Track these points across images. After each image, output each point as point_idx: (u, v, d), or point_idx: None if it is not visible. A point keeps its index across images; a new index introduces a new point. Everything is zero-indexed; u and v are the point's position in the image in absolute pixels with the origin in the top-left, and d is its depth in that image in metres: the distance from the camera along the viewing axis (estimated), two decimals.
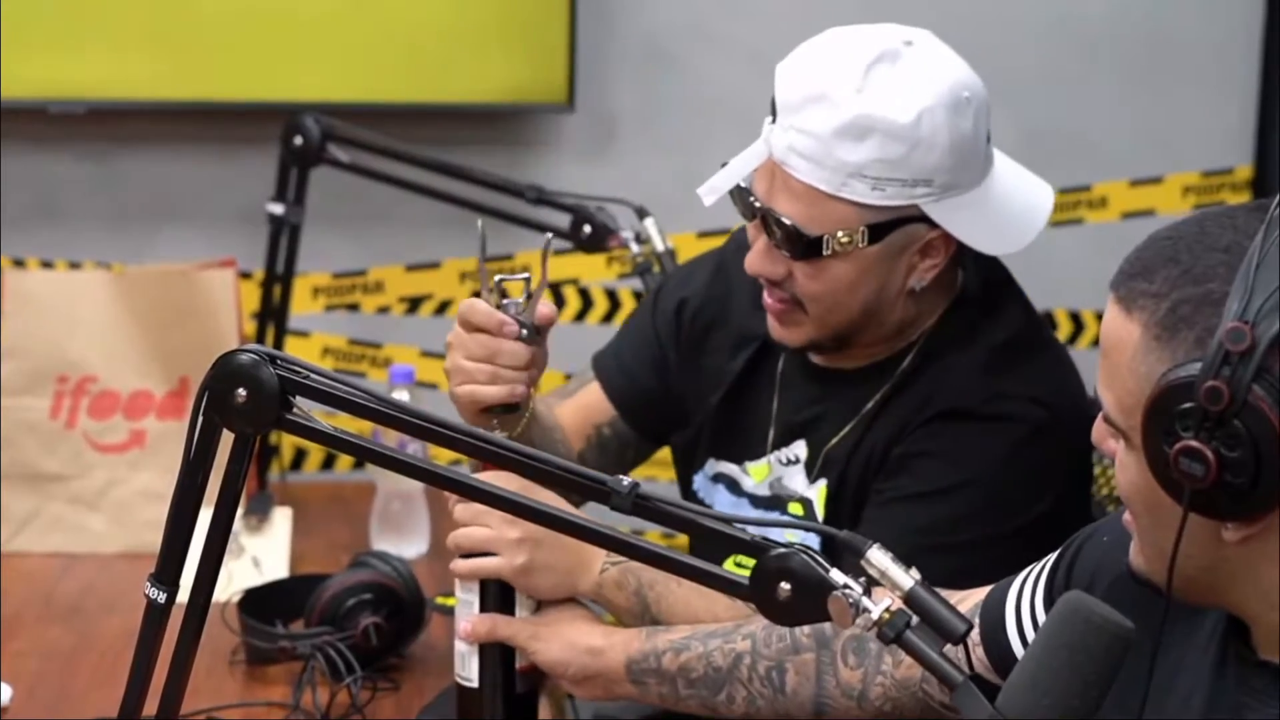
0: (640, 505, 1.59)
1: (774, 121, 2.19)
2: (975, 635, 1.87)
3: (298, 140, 3.29)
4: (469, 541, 2.15)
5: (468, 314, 2.20)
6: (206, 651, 2.50)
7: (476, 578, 2.15)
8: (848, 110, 2.12)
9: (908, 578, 1.51)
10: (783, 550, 1.55)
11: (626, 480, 1.59)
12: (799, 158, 2.15)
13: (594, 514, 1.76)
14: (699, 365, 2.48)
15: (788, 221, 2.18)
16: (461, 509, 2.17)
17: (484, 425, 2.21)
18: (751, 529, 1.66)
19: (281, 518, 3.03)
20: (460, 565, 2.16)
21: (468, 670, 2.15)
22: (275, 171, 3.33)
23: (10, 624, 2.72)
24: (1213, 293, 1.50)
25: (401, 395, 2.91)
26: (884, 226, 2.17)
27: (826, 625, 2.02)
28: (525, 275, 2.22)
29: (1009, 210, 2.24)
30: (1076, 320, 4.14)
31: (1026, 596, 1.88)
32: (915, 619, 1.50)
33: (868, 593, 1.52)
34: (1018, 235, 2.25)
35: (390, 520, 3.03)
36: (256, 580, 2.79)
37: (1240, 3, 4.07)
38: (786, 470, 2.36)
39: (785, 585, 1.54)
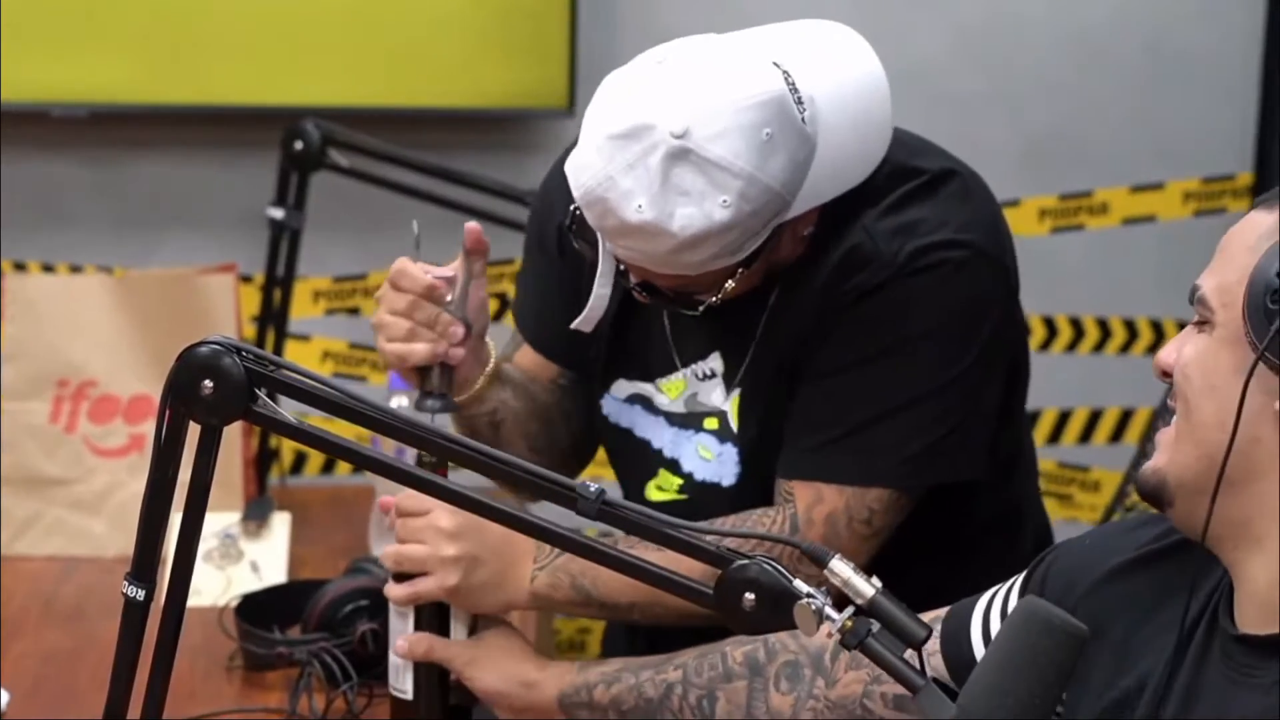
0: (606, 511, 1.59)
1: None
2: (934, 644, 1.90)
3: (298, 145, 3.29)
4: (407, 560, 2.17)
5: (397, 278, 2.22)
6: (204, 656, 2.55)
7: (412, 603, 2.18)
8: (669, 239, 2.03)
9: (869, 586, 1.53)
10: (746, 561, 1.56)
11: (593, 486, 1.59)
12: (651, 263, 2.10)
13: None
14: (587, 276, 2.36)
15: (674, 293, 2.17)
16: (400, 525, 2.20)
17: (422, 387, 2.23)
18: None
19: (280, 522, 3.03)
20: (395, 592, 2.19)
21: (402, 683, 2.17)
22: (276, 176, 3.34)
23: (10, 627, 2.72)
24: None
25: (400, 401, 2.91)
26: (756, 251, 2.12)
27: (760, 652, 2.05)
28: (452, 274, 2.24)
29: (853, 135, 2.15)
30: (1077, 326, 4.14)
31: (997, 607, 1.90)
32: (876, 625, 1.52)
33: (832, 601, 1.54)
34: (874, 148, 2.18)
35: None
36: (254, 585, 2.79)
37: (1240, 9, 4.07)
38: (703, 385, 2.32)
39: (750, 595, 1.56)
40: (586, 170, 2.05)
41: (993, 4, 4.06)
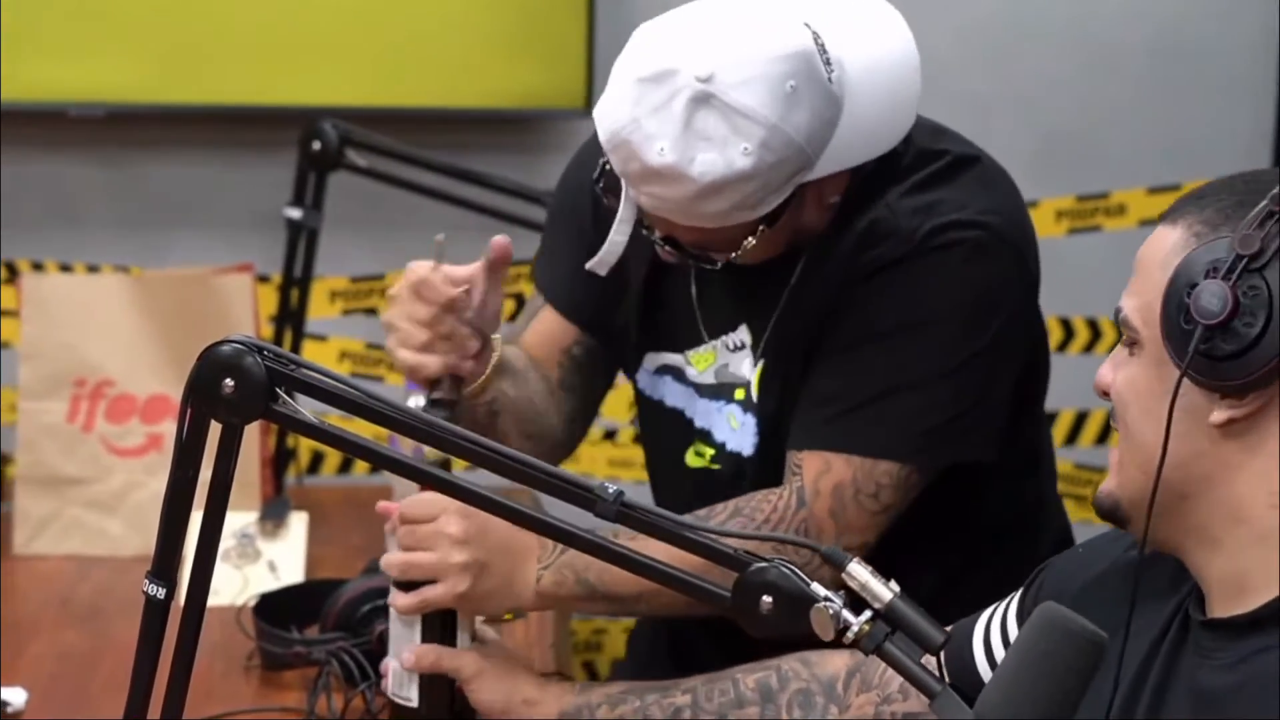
0: (625, 513, 1.59)
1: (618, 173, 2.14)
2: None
3: (316, 145, 3.30)
4: (415, 568, 2.15)
5: (420, 287, 2.20)
6: (221, 656, 2.55)
7: (420, 611, 2.15)
8: (689, 184, 2.06)
9: (887, 590, 1.52)
10: (764, 564, 1.55)
11: (612, 487, 1.59)
12: (670, 213, 2.12)
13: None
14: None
15: (696, 250, 2.19)
16: (405, 533, 2.17)
17: (431, 388, 2.23)
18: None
19: (298, 522, 3.04)
20: (402, 601, 2.16)
21: (407, 690, 2.16)
22: (293, 176, 3.34)
23: (27, 627, 2.73)
24: (1259, 193, 1.59)
25: (417, 400, 2.91)
26: (779, 210, 2.14)
27: (773, 678, 2.05)
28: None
29: (881, 100, 2.18)
30: (1094, 328, 4.14)
31: (997, 623, 1.90)
32: (894, 630, 1.52)
33: (849, 605, 1.53)
34: (904, 109, 2.21)
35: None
36: (272, 585, 2.79)
37: (1258, 9, 4.06)
38: (734, 356, 2.34)
39: (767, 599, 1.55)
40: (613, 114, 2.09)
41: (1005, 3, 4.06)
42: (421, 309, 2.20)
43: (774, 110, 2.04)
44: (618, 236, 2.17)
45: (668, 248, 2.21)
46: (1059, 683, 1.45)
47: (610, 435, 4.07)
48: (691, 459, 2.38)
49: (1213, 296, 1.56)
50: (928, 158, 2.24)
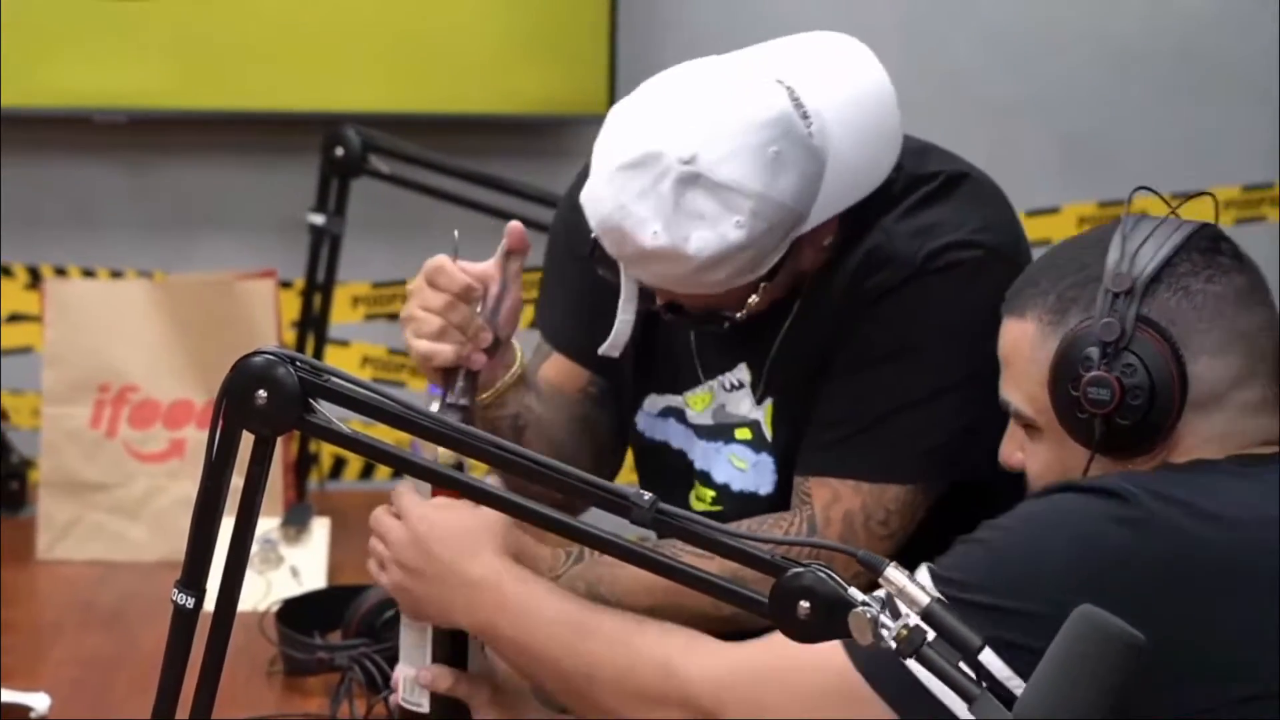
0: (661, 520, 1.58)
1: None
2: None
3: (339, 151, 3.30)
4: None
5: (435, 275, 2.19)
6: (244, 662, 2.55)
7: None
8: (687, 262, 2.05)
9: (924, 594, 1.52)
10: (801, 569, 1.55)
11: (647, 494, 1.59)
12: (673, 286, 2.12)
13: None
14: (614, 293, 2.36)
15: (703, 313, 2.18)
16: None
17: (446, 385, 2.21)
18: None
19: (320, 528, 3.04)
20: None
21: (418, 696, 2.15)
22: (315, 182, 3.34)
23: (50, 632, 2.73)
24: (1092, 273, 1.84)
25: (433, 407, 2.91)
26: (776, 265, 2.13)
27: None
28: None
29: (864, 144, 2.16)
30: None
31: None
32: (932, 634, 1.52)
33: (885, 609, 1.53)
34: (887, 146, 2.20)
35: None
36: (295, 590, 2.80)
37: (1277, 16, 4.05)
38: (731, 396, 2.33)
39: (805, 604, 1.54)
40: (600, 201, 2.08)
41: (1028, 11, 4.05)
42: (435, 297, 2.19)
43: (760, 180, 2.02)
44: (625, 316, 2.16)
45: (671, 315, 2.20)
46: (1098, 685, 1.45)
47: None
48: (695, 504, 2.37)
49: (1100, 389, 1.81)
50: (919, 181, 2.23)
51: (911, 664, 1.65)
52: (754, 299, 2.15)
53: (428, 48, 3.89)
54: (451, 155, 3.45)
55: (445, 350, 2.18)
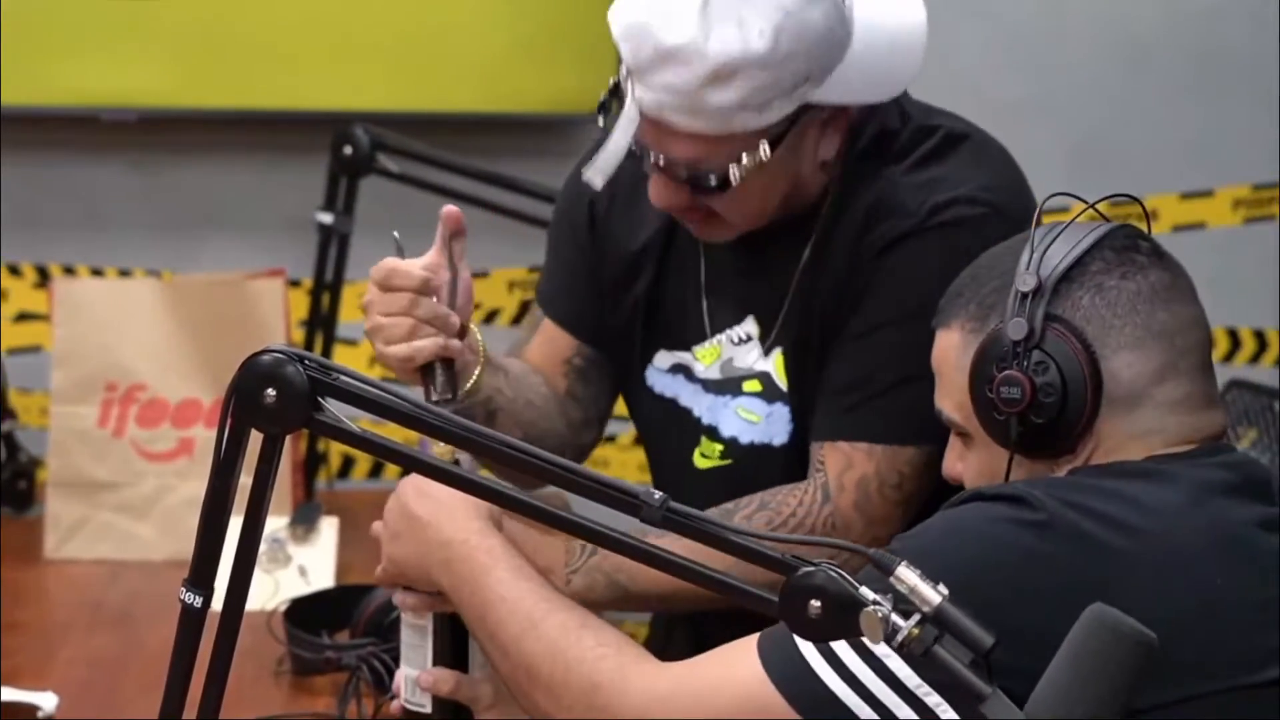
0: (671, 518, 1.58)
1: (628, 77, 2.14)
2: None
3: (347, 150, 3.30)
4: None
5: (388, 278, 2.18)
6: (252, 661, 2.55)
7: (429, 609, 2.14)
8: (702, 64, 2.06)
9: (935, 593, 1.51)
10: (811, 568, 1.55)
11: (657, 493, 1.58)
12: (673, 112, 2.11)
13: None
14: (620, 255, 2.43)
15: (688, 168, 2.16)
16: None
17: (423, 385, 2.21)
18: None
19: (328, 527, 3.04)
20: (409, 600, 2.15)
21: (419, 697, 2.15)
22: (324, 181, 3.34)
23: (58, 631, 2.73)
24: (1009, 279, 1.85)
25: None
26: (780, 133, 2.14)
27: None
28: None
29: (885, 46, 2.20)
30: None
31: None
32: (943, 633, 1.51)
33: (897, 609, 1.52)
34: (905, 67, 2.23)
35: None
36: (303, 590, 2.80)
37: None
38: (739, 350, 2.34)
39: (815, 603, 1.54)
40: (630, 5, 2.11)
41: (1038, 9, 4.05)
42: (396, 299, 2.18)
43: (790, 2, 2.06)
44: (618, 136, 2.14)
45: (660, 173, 2.19)
46: (1110, 683, 1.45)
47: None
48: (699, 460, 2.38)
49: (1011, 387, 1.81)
50: (921, 134, 2.26)
51: (824, 673, 1.72)
52: (746, 162, 2.13)
53: (436, 47, 3.88)
54: (460, 154, 3.45)
55: (425, 346, 2.17)
